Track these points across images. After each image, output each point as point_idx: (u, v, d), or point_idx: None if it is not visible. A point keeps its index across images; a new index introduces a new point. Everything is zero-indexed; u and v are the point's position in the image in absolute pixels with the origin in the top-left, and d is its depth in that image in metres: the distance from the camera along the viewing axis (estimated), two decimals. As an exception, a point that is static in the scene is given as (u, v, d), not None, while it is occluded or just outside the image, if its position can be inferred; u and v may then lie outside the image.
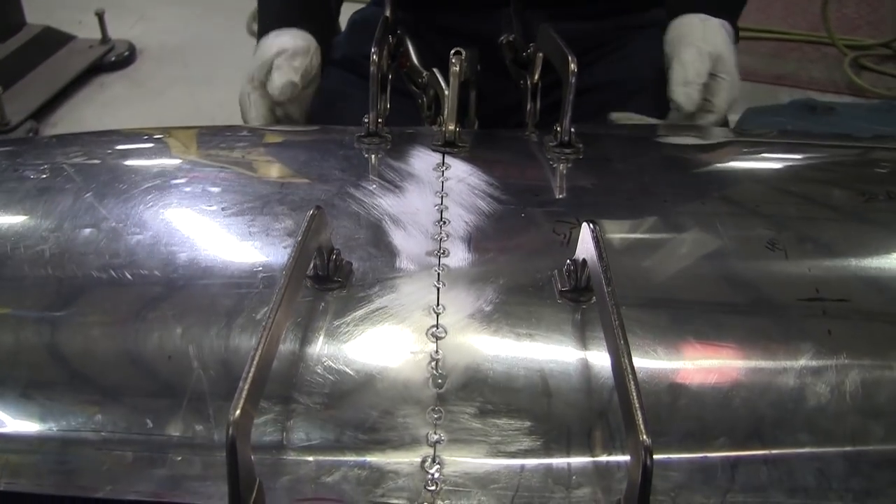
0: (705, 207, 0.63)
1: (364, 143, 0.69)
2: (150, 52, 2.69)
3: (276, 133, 0.73)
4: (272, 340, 0.45)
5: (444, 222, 0.60)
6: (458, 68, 0.69)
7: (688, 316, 0.54)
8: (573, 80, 0.67)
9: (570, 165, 0.67)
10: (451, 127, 0.69)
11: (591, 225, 0.51)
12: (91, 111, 2.37)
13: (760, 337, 0.53)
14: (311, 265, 0.54)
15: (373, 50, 0.69)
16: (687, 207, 0.63)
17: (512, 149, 0.72)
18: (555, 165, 0.68)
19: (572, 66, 0.67)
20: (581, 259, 0.53)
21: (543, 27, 0.77)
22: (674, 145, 0.74)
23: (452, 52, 0.71)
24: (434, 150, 0.68)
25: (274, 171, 0.65)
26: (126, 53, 2.61)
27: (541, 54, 0.79)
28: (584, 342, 0.52)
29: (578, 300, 0.54)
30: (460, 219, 0.60)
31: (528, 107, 0.81)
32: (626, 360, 0.43)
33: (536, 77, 0.81)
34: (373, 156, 0.68)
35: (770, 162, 0.72)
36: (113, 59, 2.58)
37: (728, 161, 0.71)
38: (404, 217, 0.61)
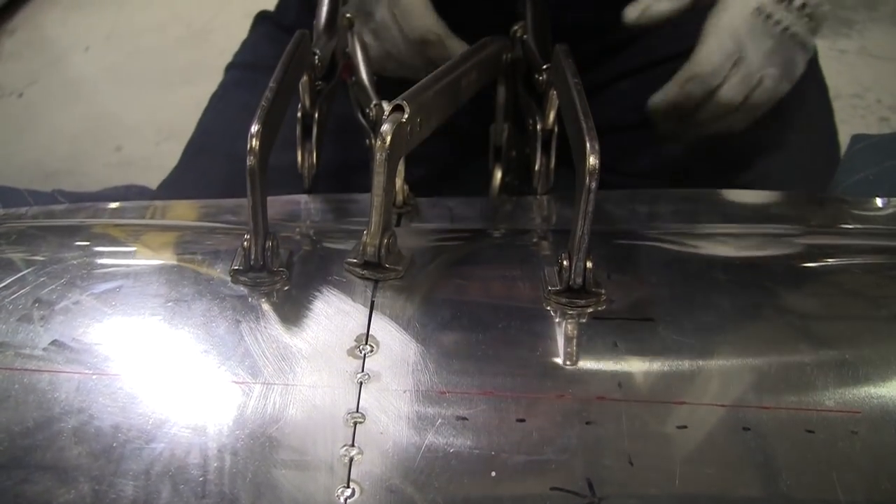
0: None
1: (243, 280, 0.42)
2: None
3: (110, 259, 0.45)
4: None
5: (348, 502, 0.34)
6: (387, 140, 0.40)
7: None
8: (593, 185, 0.38)
9: (582, 337, 0.39)
10: (376, 241, 0.41)
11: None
12: (55, 15, 2.06)
13: None
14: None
15: (252, 129, 0.40)
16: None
17: (481, 285, 0.43)
18: (556, 334, 0.39)
19: (591, 161, 0.38)
20: None
21: (558, 52, 0.46)
22: (776, 278, 0.42)
23: (389, 106, 0.42)
24: (354, 283, 0.41)
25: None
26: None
27: (555, 91, 0.49)
28: None
29: None
30: (375, 497, 0.34)
31: (538, 164, 0.52)
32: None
33: (551, 120, 0.51)
34: (251, 317, 0.40)
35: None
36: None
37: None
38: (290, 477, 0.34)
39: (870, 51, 1.74)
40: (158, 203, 0.54)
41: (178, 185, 0.74)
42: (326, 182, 0.55)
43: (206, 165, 0.73)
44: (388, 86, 0.50)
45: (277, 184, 0.46)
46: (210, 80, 0.84)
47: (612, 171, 0.55)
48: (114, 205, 0.55)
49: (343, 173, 0.63)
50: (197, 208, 0.54)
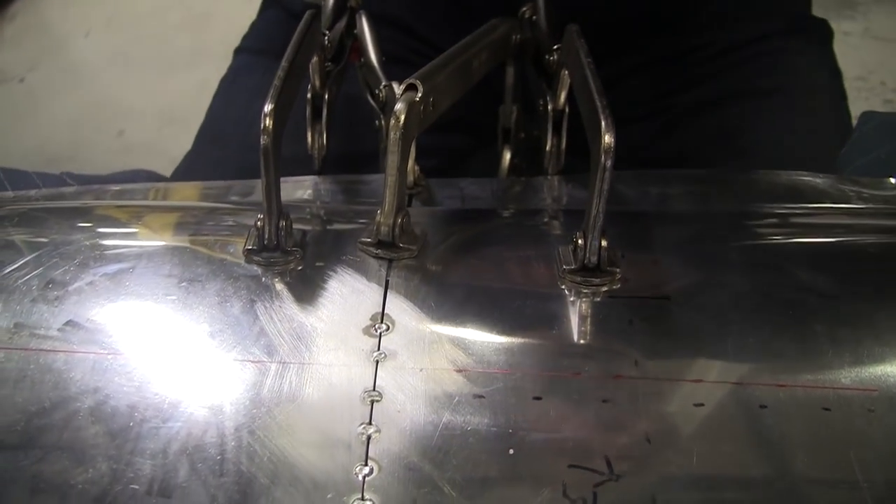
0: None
1: (257, 260, 0.42)
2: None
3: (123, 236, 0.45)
4: None
5: (366, 480, 0.34)
6: (401, 119, 0.40)
7: None
8: (609, 163, 0.38)
9: (597, 315, 0.39)
10: (390, 221, 0.41)
11: None
12: (55, 0, 2.05)
13: None
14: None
15: (265, 108, 0.40)
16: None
17: (495, 265, 0.43)
18: (571, 313, 0.39)
19: (606, 139, 0.38)
20: None
21: (569, 31, 0.46)
22: (790, 257, 0.42)
23: (401, 86, 0.42)
24: (368, 262, 0.41)
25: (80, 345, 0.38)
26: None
27: (566, 71, 0.49)
28: None
29: None
30: (394, 475, 0.34)
31: (548, 145, 0.52)
32: None
33: (562, 100, 0.51)
34: (265, 296, 0.40)
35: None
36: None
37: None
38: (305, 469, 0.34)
39: (874, 33, 1.74)
40: (169, 184, 0.54)
41: (190, 172, 0.74)
42: (333, 168, 0.55)
43: (220, 153, 0.73)
44: (396, 69, 0.50)
45: (287, 173, 0.45)
46: (211, 64, 0.84)
47: (622, 160, 0.55)
48: (123, 186, 0.55)
49: (350, 159, 0.63)
50: (207, 189, 0.54)
